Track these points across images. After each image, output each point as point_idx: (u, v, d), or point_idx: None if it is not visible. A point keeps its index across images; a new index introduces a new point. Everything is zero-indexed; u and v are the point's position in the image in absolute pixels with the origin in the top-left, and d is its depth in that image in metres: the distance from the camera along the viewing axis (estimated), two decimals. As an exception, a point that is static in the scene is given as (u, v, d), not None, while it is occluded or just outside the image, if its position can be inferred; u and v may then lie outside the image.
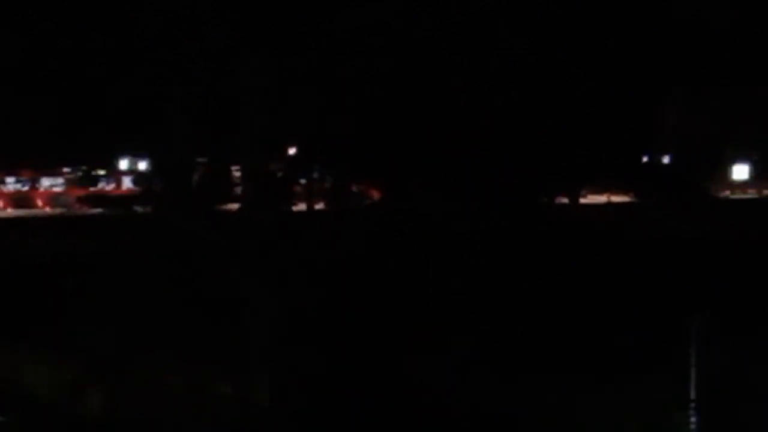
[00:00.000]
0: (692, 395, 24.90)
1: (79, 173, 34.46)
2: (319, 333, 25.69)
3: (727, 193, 34.77)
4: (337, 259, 27.38)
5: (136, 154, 34.35)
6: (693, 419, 24.77)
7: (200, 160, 32.05)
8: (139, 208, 30.96)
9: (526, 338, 26.47)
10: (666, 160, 34.39)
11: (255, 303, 26.40)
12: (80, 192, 33.85)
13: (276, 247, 27.94)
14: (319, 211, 31.53)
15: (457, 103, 29.42)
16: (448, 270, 27.67)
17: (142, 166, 34.45)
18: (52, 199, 33.89)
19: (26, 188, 34.18)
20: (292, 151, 32.35)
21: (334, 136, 30.09)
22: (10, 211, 33.56)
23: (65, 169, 34.22)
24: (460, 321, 26.54)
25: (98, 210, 32.11)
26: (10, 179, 33.70)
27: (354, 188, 32.08)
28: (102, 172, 34.49)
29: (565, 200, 32.95)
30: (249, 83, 29.21)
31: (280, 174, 31.93)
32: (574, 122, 30.63)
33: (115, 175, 34.71)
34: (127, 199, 32.54)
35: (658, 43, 31.68)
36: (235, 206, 30.96)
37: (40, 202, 33.97)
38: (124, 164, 35.24)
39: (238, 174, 31.31)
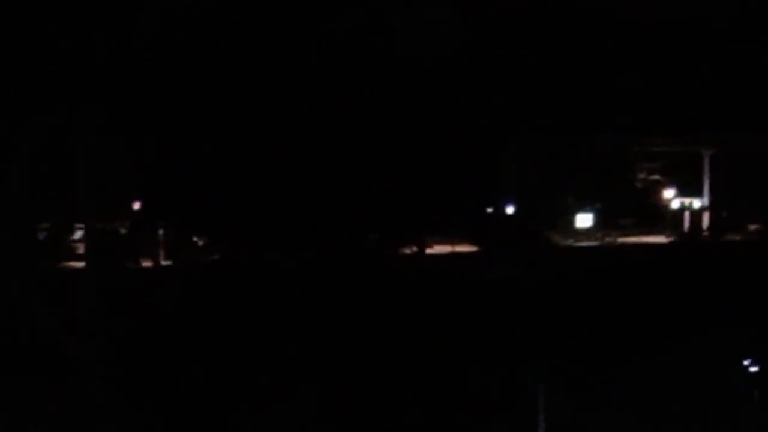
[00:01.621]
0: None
1: None
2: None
3: (571, 241, 35.31)
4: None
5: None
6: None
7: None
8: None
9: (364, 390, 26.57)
10: (509, 209, 34.83)
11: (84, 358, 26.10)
12: None
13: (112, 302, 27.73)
14: (164, 266, 31.40)
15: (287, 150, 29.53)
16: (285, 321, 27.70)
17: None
18: None
19: None
20: (135, 205, 32.23)
21: (171, 191, 30.01)
22: None
23: None
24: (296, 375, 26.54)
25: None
26: None
27: (199, 242, 32.03)
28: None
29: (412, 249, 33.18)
30: (80, 139, 28.98)
31: (124, 230, 31.78)
32: (418, 171, 30.93)
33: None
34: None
35: (502, 89, 32.21)
36: (79, 264, 30.66)
37: None
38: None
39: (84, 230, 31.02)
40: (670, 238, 35.61)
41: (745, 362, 29.23)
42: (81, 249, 31.19)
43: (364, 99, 30.70)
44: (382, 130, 31.11)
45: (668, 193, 35.65)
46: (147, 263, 32.14)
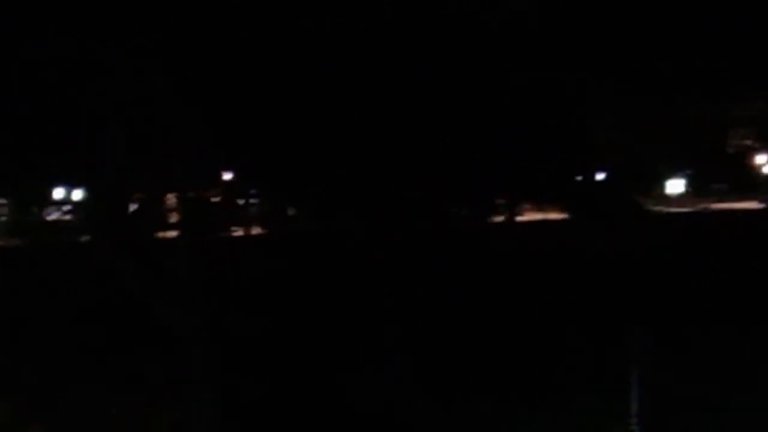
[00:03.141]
0: (633, 410, 25.05)
1: (11, 202, 34.15)
2: (256, 358, 25.62)
3: (662, 207, 35.03)
4: (269, 281, 27.37)
5: (70, 183, 34.04)
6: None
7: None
8: (73, 238, 30.79)
9: (458, 358, 26.52)
10: (601, 176, 34.57)
11: (185, 331, 26.22)
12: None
13: (208, 272, 27.83)
14: (256, 235, 31.50)
15: (381, 120, 29.42)
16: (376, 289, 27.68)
17: (77, 195, 34.16)
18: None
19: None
20: (227, 175, 32.31)
21: (266, 160, 30.03)
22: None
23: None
24: (392, 340, 26.54)
25: (28, 240, 31.92)
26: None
27: (290, 212, 32.11)
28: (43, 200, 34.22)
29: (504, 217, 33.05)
30: (172, 109, 28.99)
31: (216, 199, 31.90)
32: (507, 139, 30.68)
33: (50, 204, 34.45)
34: (61, 228, 32.31)
35: (594, 55, 31.83)
36: (173, 234, 30.82)
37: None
38: (58, 194, 34.90)
39: (173, 201, 31.18)
40: (763, 204, 35.22)
41: None
42: (174, 218, 31.36)
43: (447, 65, 30.46)
44: (471, 95, 30.86)
45: (761, 159, 35.23)
46: (239, 232, 32.30)
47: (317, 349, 26.13)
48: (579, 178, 34.30)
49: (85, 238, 31.26)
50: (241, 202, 32.72)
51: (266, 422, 24.03)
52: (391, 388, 25.45)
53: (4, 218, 34.63)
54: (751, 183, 35.43)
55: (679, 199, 35.27)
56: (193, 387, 25.50)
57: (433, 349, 26.49)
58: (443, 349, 26.62)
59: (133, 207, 31.72)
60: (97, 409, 24.24)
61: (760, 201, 35.23)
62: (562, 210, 33.46)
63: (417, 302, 27.30)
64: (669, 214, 34.88)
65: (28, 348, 26.43)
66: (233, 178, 31.90)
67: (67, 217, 33.30)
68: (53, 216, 34.08)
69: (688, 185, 35.30)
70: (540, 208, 34.04)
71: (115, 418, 24.03)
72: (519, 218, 33.48)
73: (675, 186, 35.32)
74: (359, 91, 29.40)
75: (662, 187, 35.36)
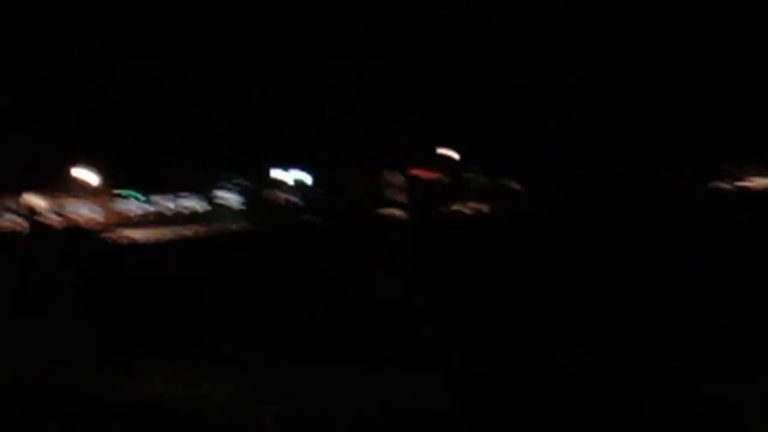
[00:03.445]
0: None
1: (241, 183, 34.95)
2: (475, 333, 25.41)
3: None
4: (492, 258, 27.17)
5: (289, 165, 34.62)
6: None
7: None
8: (305, 218, 31.26)
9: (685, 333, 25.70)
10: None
11: (409, 304, 26.23)
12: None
13: (429, 246, 27.83)
14: (480, 212, 31.40)
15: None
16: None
17: (307, 178, 34.65)
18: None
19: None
20: (450, 153, 32.38)
21: (491, 136, 29.93)
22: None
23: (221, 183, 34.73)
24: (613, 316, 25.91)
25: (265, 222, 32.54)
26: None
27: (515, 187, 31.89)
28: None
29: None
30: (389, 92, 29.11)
31: (437, 176, 31.94)
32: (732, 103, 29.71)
33: (277, 186, 35.12)
34: (291, 210, 32.92)
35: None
36: (393, 211, 31.06)
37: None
38: (280, 175, 35.51)
39: (394, 179, 31.41)
40: None
41: None
42: (399, 197, 31.58)
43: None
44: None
45: None
46: (463, 209, 32.29)
47: (548, 328, 25.77)
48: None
49: (309, 218, 31.72)
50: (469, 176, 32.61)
51: (492, 401, 23.78)
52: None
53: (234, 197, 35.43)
54: None
55: None
56: (421, 365, 25.52)
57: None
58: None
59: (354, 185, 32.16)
60: (325, 388, 24.38)
61: None
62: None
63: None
64: None
65: (250, 327, 26.84)
66: (455, 155, 31.98)
67: (290, 197, 33.90)
68: (279, 196, 34.77)
69: None
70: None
71: (344, 399, 24.18)
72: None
73: None
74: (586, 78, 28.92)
75: None
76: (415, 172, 30.65)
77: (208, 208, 34.57)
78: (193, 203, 34.69)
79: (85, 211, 34.26)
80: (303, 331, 26.02)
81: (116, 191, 34.54)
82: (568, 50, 27.83)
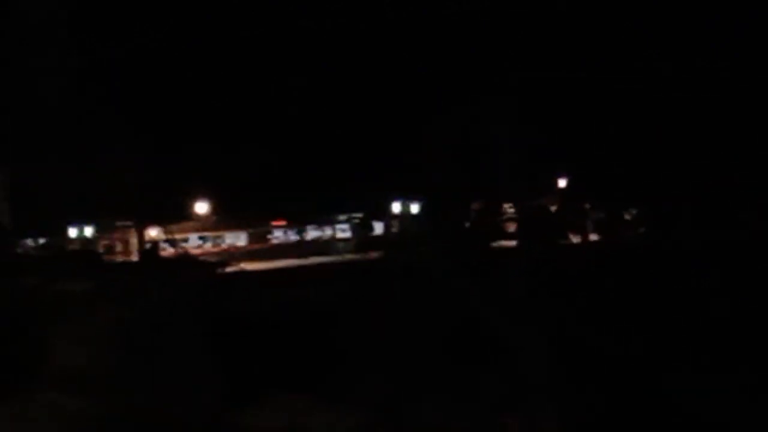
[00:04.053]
0: None
1: (356, 220, 35.28)
2: (593, 368, 25.28)
3: None
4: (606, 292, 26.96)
5: (404, 197, 34.81)
6: None
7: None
8: (426, 251, 31.46)
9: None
10: None
11: (524, 340, 26.22)
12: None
13: (541, 283, 27.76)
14: (593, 242, 31.26)
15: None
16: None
17: (414, 209, 34.85)
18: (324, 246, 34.72)
19: (295, 238, 35.17)
20: (562, 183, 32.30)
21: (603, 165, 29.81)
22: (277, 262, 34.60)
23: (340, 216, 35.10)
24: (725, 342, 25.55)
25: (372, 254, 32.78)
26: (277, 231, 34.74)
27: (627, 217, 31.67)
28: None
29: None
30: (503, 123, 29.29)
31: (553, 207, 31.86)
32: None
33: (389, 218, 35.36)
34: (401, 242, 33.14)
35: None
36: (508, 243, 31.04)
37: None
38: (396, 208, 35.76)
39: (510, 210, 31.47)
40: None
41: None
42: (510, 228, 31.64)
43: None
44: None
45: None
46: (576, 239, 32.15)
47: (656, 358, 25.54)
48: None
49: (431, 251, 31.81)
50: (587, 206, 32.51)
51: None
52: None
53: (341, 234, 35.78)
54: None
55: None
56: (534, 396, 25.48)
57: None
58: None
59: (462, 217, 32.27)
60: (441, 420, 24.53)
61: None
62: None
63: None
64: None
65: (373, 358, 27.02)
66: (568, 184, 31.90)
67: (410, 228, 34.10)
68: (394, 229, 35.06)
69: None
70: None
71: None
72: None
73: None
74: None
75: None
76: (530, 202, 30.78)
77: (350, 237, 35.15)
78: (342, 233, 35.30)
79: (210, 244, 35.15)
80: (426, 365, 26.16)
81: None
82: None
